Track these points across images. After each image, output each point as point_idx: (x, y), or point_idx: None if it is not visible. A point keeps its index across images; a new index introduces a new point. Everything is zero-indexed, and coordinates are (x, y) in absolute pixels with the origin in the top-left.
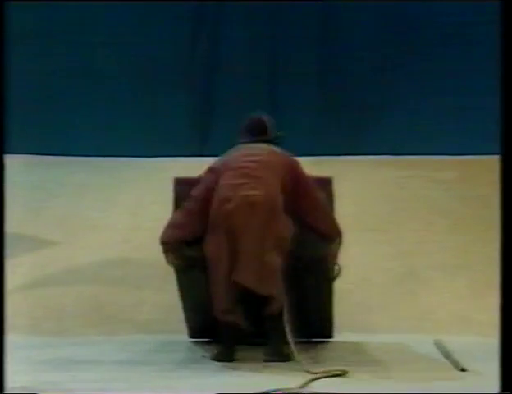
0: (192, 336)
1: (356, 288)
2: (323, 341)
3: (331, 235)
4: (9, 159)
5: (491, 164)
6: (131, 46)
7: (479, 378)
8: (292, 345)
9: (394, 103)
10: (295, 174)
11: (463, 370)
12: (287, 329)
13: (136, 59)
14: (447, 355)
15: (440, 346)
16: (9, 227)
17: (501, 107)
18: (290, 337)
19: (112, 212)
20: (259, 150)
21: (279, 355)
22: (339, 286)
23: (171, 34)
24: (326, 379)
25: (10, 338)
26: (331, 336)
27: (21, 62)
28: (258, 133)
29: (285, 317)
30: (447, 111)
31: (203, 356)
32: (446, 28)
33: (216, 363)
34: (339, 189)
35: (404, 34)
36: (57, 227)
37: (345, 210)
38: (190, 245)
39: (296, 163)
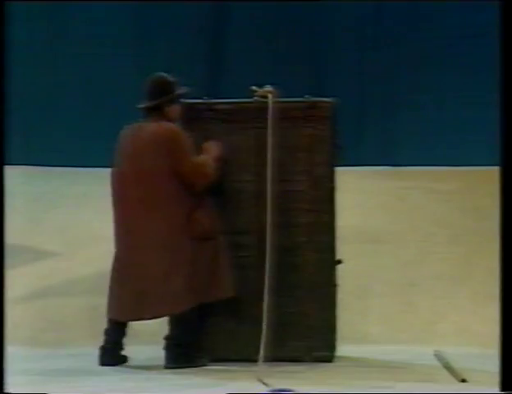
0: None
1: (356, 299)
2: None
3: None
4: (9, 170)
5: (491, 175)
6: (133, 57)
7: (479, 389)
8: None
9: (394, 114)
10: (171, 150)
11: (463, 381)
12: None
13: (137, 70)
14: (447, 366)
15: (440, 357)
16: (9, 238)
17: (501, 118)
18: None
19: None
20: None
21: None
22: (339, 296)
23: (172, 44)
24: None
25: (9, 349)
26: (331, 360)
27: (22, 73)
28: (150, 97)
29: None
30: (447, 122)
31: (204, 365)
32: (447, 40)
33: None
34: (339, 200)
35: (404, 45)
36: (57, 238)
37: (345, 221)
38: None
39: (170, 138)
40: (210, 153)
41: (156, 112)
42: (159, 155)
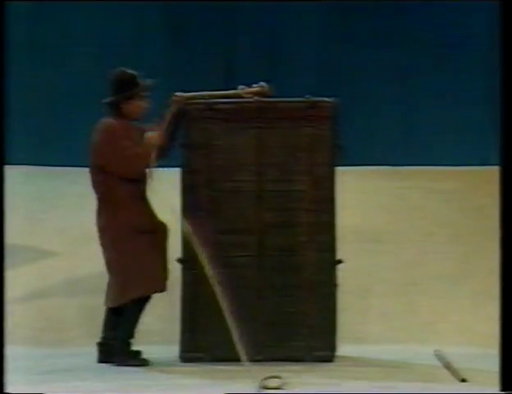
0: (186, 357)
1: (356, 298)
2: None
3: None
4: (9, 170)
5: (490, 175)
6: (131, 57)
7: (479, 389)
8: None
9: (393, 113)
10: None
11: (463, 381)
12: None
13: (138, 70)
14: (448, 365)
15: (440, 357)
16: (9, 238)
17: (501, 118)
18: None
19: None
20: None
21: None
22: (339, 296)
23: (171, 43)
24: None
25: (9, 349)
26: (331, 360)
27: (22, 73)
28: (108, 94)
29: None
30: (446, 122)
31: (203, 364)
32: (446, 40)
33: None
34: (339, 200)
35: (403, 46)
36: (57, 238)
37: (345, 221)
38: None
39: (100, 130)
40: (149, 141)
41: (114, 108)
42: (94, 151)
